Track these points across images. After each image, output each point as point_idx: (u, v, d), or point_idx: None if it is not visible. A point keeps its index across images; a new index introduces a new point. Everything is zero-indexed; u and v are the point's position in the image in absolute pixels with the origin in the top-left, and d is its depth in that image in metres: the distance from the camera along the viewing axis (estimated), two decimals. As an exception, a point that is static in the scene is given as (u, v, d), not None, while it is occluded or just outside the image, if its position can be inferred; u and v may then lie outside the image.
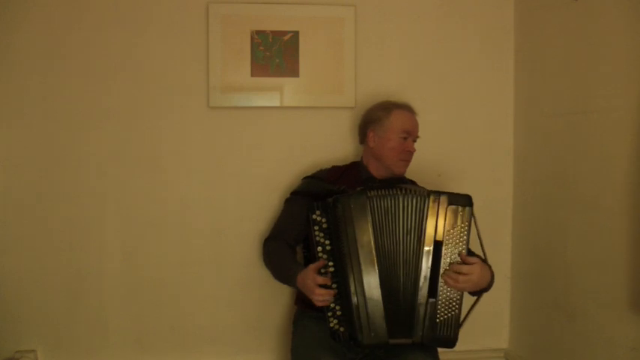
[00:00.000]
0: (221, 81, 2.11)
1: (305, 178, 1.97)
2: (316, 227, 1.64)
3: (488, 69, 2.27)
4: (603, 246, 1.75)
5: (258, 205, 2.14)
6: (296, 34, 2.14)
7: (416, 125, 1.92)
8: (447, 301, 1.60)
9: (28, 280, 2.08)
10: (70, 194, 2.09)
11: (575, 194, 1.89)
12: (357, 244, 1.59)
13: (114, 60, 2.08)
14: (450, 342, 1.60)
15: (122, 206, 2.11)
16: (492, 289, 2.27)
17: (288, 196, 1.95)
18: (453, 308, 1.60)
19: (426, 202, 1.61)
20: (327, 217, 1.63)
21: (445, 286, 1.60)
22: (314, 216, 1.64)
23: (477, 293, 1.69)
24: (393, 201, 1.61)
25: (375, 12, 2.19)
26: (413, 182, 1.97)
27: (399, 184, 1.80)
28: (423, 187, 1.90)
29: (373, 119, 1.91)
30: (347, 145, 2.18)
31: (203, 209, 2.15)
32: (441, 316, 1.60)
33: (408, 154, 1.88)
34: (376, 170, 1.92)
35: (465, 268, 1.59)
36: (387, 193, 1.62)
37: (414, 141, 1.91)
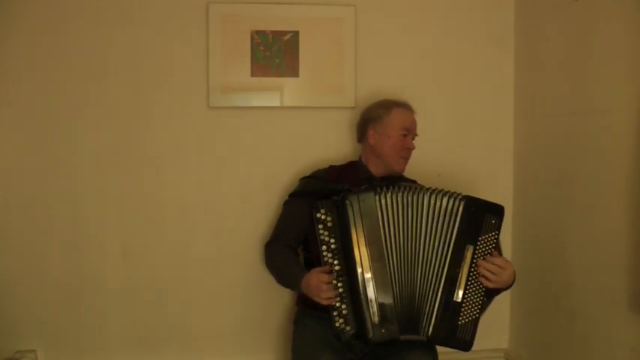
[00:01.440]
0: (221, 81, 2.11)
1: (303, 178, 1.96)
2: (321, 226, 1.63)
3: (488, 69, 2.27)
4: (603, 246, 1.75)
5: (259, 204, 2.14)
6: (296, 34, 2.14)
7: (415, 123, 1.93)
8: (470, 304, 1.61)
9: (29, 280, 2.08)
10: (70, 194, 2.09)
11: (575, 194, 1.89)
12: (366, 242, 1.59)
13: (114, 60, 2.08)
14: (467, 345, 1.61)
15: (122, 206, 2.11)
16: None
17: (287, 198, 1.95)
18: (475, 312, 1.61)
19: (460, 205, 1.61)
20: (333, 215, 1.63)
21: (471, 290, 1.61)
22: (318, 215, 1.63)
23: (493, 294, 1.69)
24: (413, 198, 1.63)
25: (375, 12, 2.19)
26: (413, 181, 1.97)
27: (399, 181, 1.81)
28: (423, 186, 1.90)
29: (373, 117, 1.92)
30: (347, 145, 2.18)
31: (203, 209, 2.15)
32: (464, 318, 1.60)
33: (407, 152, 1.90)
34: (376, 168, 1.92)
35: (501, 262, 1.61)
36: (406, 189, 1.63)
37: (413, 139, 1.93)
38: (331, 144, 2.18)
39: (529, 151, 2.20)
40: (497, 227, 1.62)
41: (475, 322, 1.61)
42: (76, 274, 2.10)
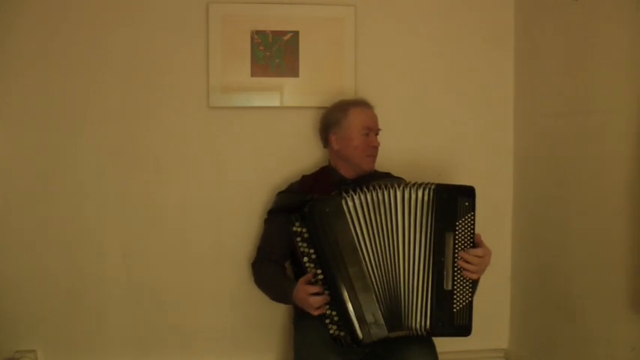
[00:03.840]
0: (221, 81, 2.11)
1: (278, 193, 1.97)
2: (298, 239, 1.65)
3: (488, 69, 2.27)
4: (603, 246, 1.75)
5: (258, 204, 2.14)
6: (296, 34, 2.14)
7: (375, 119, 1.93)
8: (460, 290, 1.61)
9: (28, 280, 2.08)
10: (70, 194, 2.09)
11: (575, 194, 1.89)
12: (340, 246, 1.60)
13: (114, 60, 2.08)
14: (466, 329, 1.61)
15: (122, 206, 2.11)
16: (492, 289, 2.28)
17: (266, 216, 1.96)
18: (467, 296, 1.62)
19: (431, 194, 1.62)
20: (307, 226, 1.64)
21: (459, 275, 1.61)
22: (294, 228, 1.65)
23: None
24: (384, 195, 1.62)
25: (375, 12, 2.19)
26: (387, 174, 1.97)
27: (372, 179, 1.81)
28: (400, 178, 1.92)
29: (332, 122, 1.92)
30: (347, 145, 2.18)
31: (203, 209, 2.15)
32: (458, 305, 1.60)
33: (373, 150, 1.90)
34: (346, 171, 1.92)
35: (479, 252, 1.61)
36: (376, 188, 1.63)
37: (377, 134, 1.92)
38: (331, 144, 2.18)
39: (529, 151, 2.20)
40: (472, 208, 1.62)
41: (469, 306, 1.62)
42: (76, 274, 2.10)
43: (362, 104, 1.93)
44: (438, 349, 1.70)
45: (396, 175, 1.98)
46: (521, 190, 2.25)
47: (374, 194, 1.63)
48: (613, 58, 1.72)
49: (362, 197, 1.62)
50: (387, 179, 1.86)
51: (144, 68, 2.10)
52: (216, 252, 2.16)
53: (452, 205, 1.61)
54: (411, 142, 2.22)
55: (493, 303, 2.28)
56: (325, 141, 1.98)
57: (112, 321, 2.13)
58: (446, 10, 2.23)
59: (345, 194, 1.63)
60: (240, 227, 2.15)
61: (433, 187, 1.63)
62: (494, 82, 2.27)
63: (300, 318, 1.85)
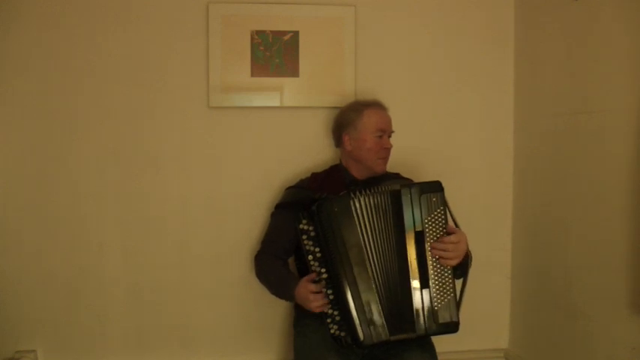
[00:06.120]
0: (221, 81, 2.11)
1: (288, 188, 1.97)
2: (304, 236, 1.65)
3: (488, 69, 2.27)
4: (603, 246, 1.75)
5: (258, 204, 2.14)
6: (296, 34, 2.14)
7: (389, 121, 1.92)
8: (440, 287, 1.61)
9: (28, 280, 2.08)
10: (70, 194, 2.09)
11: (575, 194, 1.89)
12: (347, 247, 1.60)
13: (114, 60, 2.08)
14: (453, 326, 1.61)
15: (122, 206, 2.11)
16: (492, 289, 2.29)
17: (273, 210, 1.96)
18: (448, 293, 1.61)
19: (400, 196, 1.62)
20: (314, 224, 1.64)
21: (436, 273, 1.61)
22: (301, 226, 1.65)
23: (462, 269, 1.68)
24: (374, 199, 1.63)
25: (375, 12, 2.19)
26: (397, 175, 1.97)
27: (382, 180, 1.81)
28: (408, 179, 1.92)
29: (346, 123, 1.91)
30: (347, 145, 2.18)
31: (203, 209, 2.15)
32: (438, 303, 1.60)
33: (385, 152, 1.89)
34: (357, 171, 1.92)
35: (452, 238, 1.61)
36: (368, 192, 1.64)
37: (389, 136, 1.92)
38: (331, 144, 2.17)
39: (529, 151, 2.20)
40: (442, 203, 1.62)
41: (454, 302, 1.61)
42: (76, 274, 2.10)
43: (376, 106, 1.92)
44: (438, 349, 1.70)
45: (405, 176, 1.98)
46: (521, 190, 2.25)
47: (376, 197, 1.64)
48: (613, 58, 1.72)
49: (366, 199, 1.63)
50: (396, 180, 1.86)
51: (144, 68, 2.10)
52: (216, 251, 2.16)
53: (417, 203, 1.61)
54: (411, 142, 2.21)
55: (493, 303, 2.28)
56: (338, 141, 1.97)
57: (112, 321, 2.13)
58: (446, 10, 2.23)
59: (353, 195, 1.63)
60: (240, 227, 2.15)
61: (399, 187, 1.63)
62: (494, 82, 2.27)
63: (301, 318, 1.85)
